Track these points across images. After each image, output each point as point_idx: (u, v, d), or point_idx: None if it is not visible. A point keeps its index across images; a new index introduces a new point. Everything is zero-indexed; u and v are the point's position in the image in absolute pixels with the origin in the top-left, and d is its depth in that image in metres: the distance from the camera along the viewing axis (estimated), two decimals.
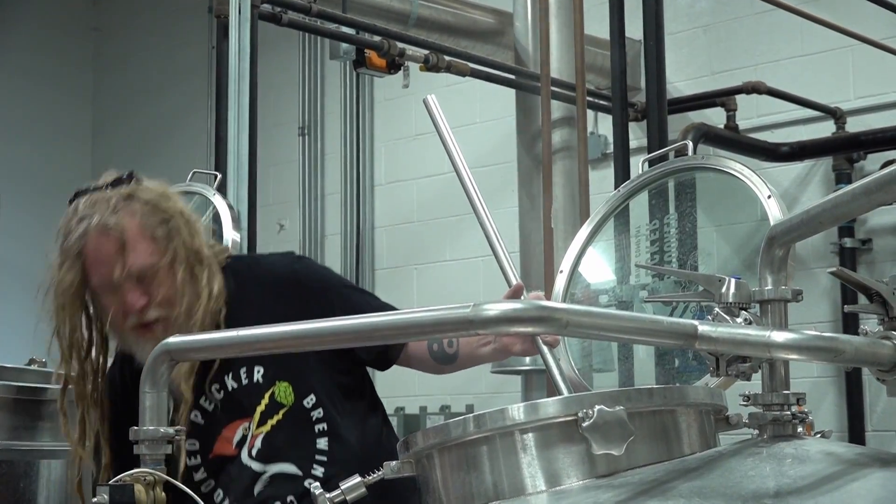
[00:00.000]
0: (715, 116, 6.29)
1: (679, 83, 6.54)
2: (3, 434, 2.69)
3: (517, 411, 1.49)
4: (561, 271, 2.63)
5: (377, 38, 5.28)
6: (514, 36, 5.90)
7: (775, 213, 2.20)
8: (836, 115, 6.22)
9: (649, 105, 4.46)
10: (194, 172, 3.31)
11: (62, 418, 2.46)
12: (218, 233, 3.10)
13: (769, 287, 1.51)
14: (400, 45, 5.25)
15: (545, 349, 2.35)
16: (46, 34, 9.32)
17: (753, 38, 6.54)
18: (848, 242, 6.14)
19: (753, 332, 1.42)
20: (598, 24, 5.51)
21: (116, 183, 2.52)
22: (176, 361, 1.65)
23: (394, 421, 3.30)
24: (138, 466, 1.64)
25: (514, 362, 5.50)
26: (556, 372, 2.35)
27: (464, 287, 7.20)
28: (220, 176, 3.62)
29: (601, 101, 6.07)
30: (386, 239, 7.99)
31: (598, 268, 2.71)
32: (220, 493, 2.46)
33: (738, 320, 1.52)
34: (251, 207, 4.07)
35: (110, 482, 1.60)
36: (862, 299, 1.58)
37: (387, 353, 2.55)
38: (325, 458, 2.44)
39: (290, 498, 2.41)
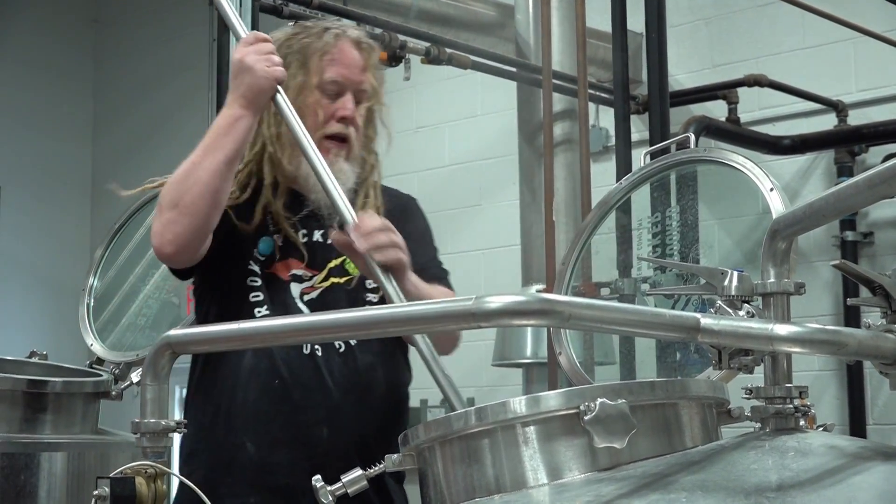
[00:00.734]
0: (716, 109, 6.28)
1: (680, 76, 6.53)
2: (4, 427, 2.69)
3: (519, 404, 1.48)
4: (562, 264, 2.63)
5: (378, 31, 5.27)
6: (515, 28, 5.89)
7: (778, 206, 2.19)
8: (838, 108, 6.21)
9: (651, 97, 4.45)
10: None
11: None
12: None
13: (772, 280, 1.50)
14: (401, 37, 5.24)
15: (378, 272, 2.39)
16: (47, 26, 9.31)
17: (755, 31, 6.53)
18: (850, 236, 6.13)
19: (756, 325, 1.41)
20: (599, 17, 5.50)
21: None
22: (178, 354, 1.64)
23: None
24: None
25: (514, 355, 5.50)
26: (395, 297, 2.37)
27: (465, 279, 7.16)
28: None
29: (602, 94, 6.06)
30: None
31: (600, 261, 2.71)
32: (266, 308, 2.56)
33: (741, 313, 1.52)
34: None
35: (111, 475, 1.60)
36: (864, 292, 1.57)
37: None
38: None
39: (316, 345, 2.52)
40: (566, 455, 1.46)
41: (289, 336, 1.71)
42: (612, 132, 5.35)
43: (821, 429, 1.61)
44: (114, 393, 2.96)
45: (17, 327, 8.54)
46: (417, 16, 5.86)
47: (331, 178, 2.47)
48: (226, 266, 2.59)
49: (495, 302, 1.35)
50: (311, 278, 2.60)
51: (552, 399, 1.48)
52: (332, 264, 2.60)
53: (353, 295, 2.60)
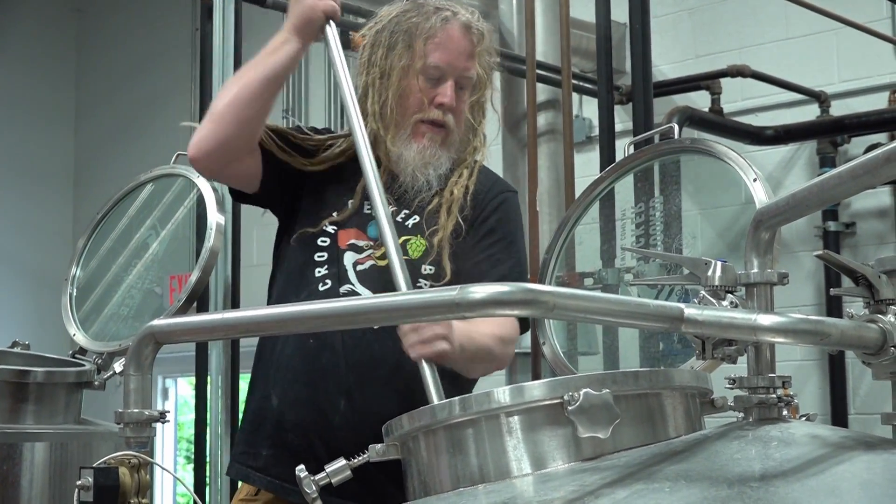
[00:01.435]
0: (699, 100, 6.29)
1: (663, 66, 6.53)
2: None
3: (503, 394, 1.49)
4: (546, 254, 2.63)
5: (362, 20, 5.26)
6: (498, 18, 5.88)
7: (761, 196, 2.20)
8: (821, 99, 6.22)
9: (635, 87, 4.44)
10: (178, 155, 3.29)
11: None
12: (202, 216, 3.09)
13: (755, 270, 1.51)
14: None
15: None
16: (29, 14, 9.26)
17: (738, 22, 6.54)
18: (832, 226, 6.15)
19: (740, 316, 1.42)
20: (583, 7, 5.50)
21: None
22: (161, 344, 1.64)
23: None
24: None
25: None
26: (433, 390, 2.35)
27: None
28: None
29: (586, 85, 6.06)
30: None
31: (584, 251, 2.71)
32: (325, 268, 2.58)
33: (724, 303, 1.52)
34: None
35: (94, 465, 1.60)
36: (847, 282, 1.58)
37: None
38: None
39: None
40: (550, 445, 1.46)
41: (271, 326, 1.70)
42: (596, 122, 5.35)
43: (803, 418, 1.62)
44: (96, 383, 2.95)
45: None
46: None
47: (371, 163, 2.50)
48: (303, 218, 2.64)
49: (480, 292, 1.35)
50: (368, 249, 2.59)
51: (536, 389, 1.48)
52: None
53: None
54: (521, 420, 1.48)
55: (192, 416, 4.43)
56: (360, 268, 2.59)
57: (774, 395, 1.49)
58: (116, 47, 9.30)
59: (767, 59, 6.30)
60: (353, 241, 2.61)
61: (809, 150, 6.33)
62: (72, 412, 2.90)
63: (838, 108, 6.17)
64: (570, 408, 1.43)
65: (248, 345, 3.11)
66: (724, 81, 6.22)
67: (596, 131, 5.72)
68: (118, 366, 2.95)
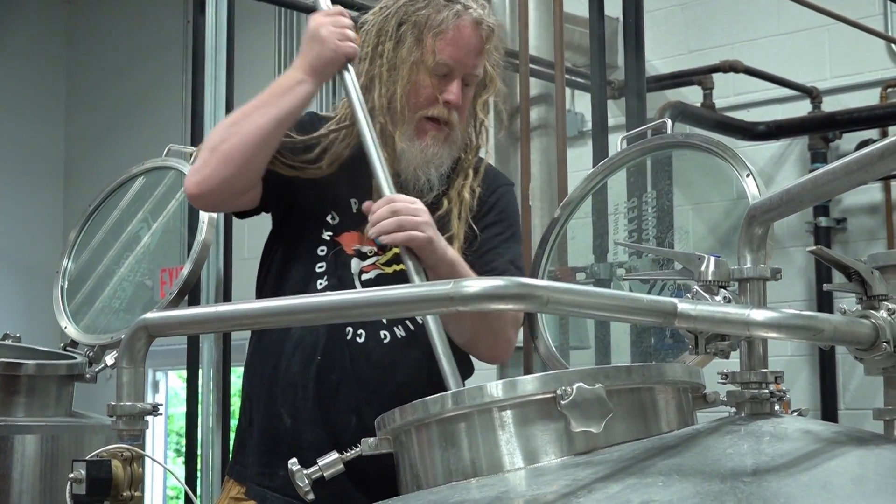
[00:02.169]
0: (692, 95, 6.30)
1: (656, 61, 6.53)
2: None
3: (495, 388, 1.49)
4: (539, 249, 2.63)
5: (355, 13, 5.25)
6: (491, 12, 5.87)
7: (754, 191, 2.20)
8: (813, 95, 6.24)
9: (628, 82, 4.45)
10: (170, 148, 3.29)
11: None
12: (194, 208, 3.08)
13: (748, 265, 1.51)
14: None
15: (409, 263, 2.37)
16: (19, 6, 9.24)
17: (731, 17, 6.54)
18: (823, 222, 6.16)
19: (733, 311, 1.42)
20: (576, 2, 5.50)
21: None
22: (153, 337, 1.64)
23: None
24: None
25: None
26: (414, 276, 2.36)
27: None
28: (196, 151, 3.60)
29: (579, 79, 6.05)
30: None
31: (576, 246, 2.72)
32: (326, 279, 2.53)
33: (717, 298, 1.52)
34: None
35: (87, 458, 1.60)
36: (839, 278, 1.58)
37: None
38: (412, 328, 2.50)
39: (359, 331, 2.49)
40: (542, 439, 1.46)
41: (264, 320, 1.70)
42: (588, 117, 5.35)
43: (795, 413, 1.62)
44: (88, 376, 2.95)
45: None
46: None
47: (381, 161, 2.44)
48: (301, 223, 2.57)
49: (474, 286, 1.35)
50: (374, 255, 2.54)
51: (529, 383, 1.48)
52: (395, 251, 2.50)
53: None
54: (513, 414, 1.48)
55: (183, 408, 4.42)
56: (365, 276, 2.53)
57: (767, 391, 1.49)
58: (107, 39, 9.28)
59: (760, 55, 6.31)
60: (358, 246, 2.54)
61: (801, 145, 6.34)
62: (63, 405, 2.89)
63: (830, 104, 6.18)
64: (562, 402, 1.43)
65: (240, 338, 3.10)
66: (717, 77, 6.23)
67: (588, 126, 5.73)
68: (109, 358, 2.95)
